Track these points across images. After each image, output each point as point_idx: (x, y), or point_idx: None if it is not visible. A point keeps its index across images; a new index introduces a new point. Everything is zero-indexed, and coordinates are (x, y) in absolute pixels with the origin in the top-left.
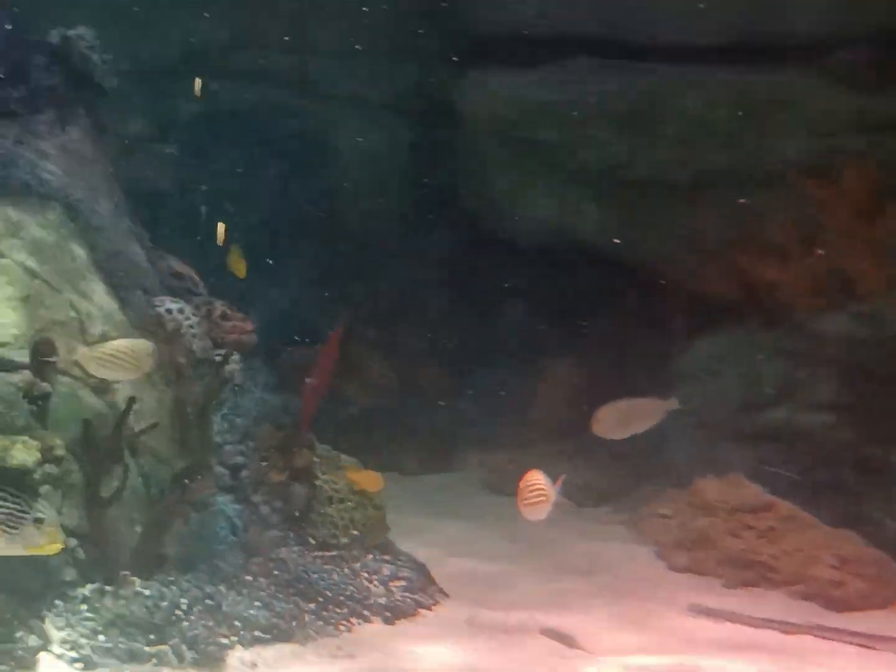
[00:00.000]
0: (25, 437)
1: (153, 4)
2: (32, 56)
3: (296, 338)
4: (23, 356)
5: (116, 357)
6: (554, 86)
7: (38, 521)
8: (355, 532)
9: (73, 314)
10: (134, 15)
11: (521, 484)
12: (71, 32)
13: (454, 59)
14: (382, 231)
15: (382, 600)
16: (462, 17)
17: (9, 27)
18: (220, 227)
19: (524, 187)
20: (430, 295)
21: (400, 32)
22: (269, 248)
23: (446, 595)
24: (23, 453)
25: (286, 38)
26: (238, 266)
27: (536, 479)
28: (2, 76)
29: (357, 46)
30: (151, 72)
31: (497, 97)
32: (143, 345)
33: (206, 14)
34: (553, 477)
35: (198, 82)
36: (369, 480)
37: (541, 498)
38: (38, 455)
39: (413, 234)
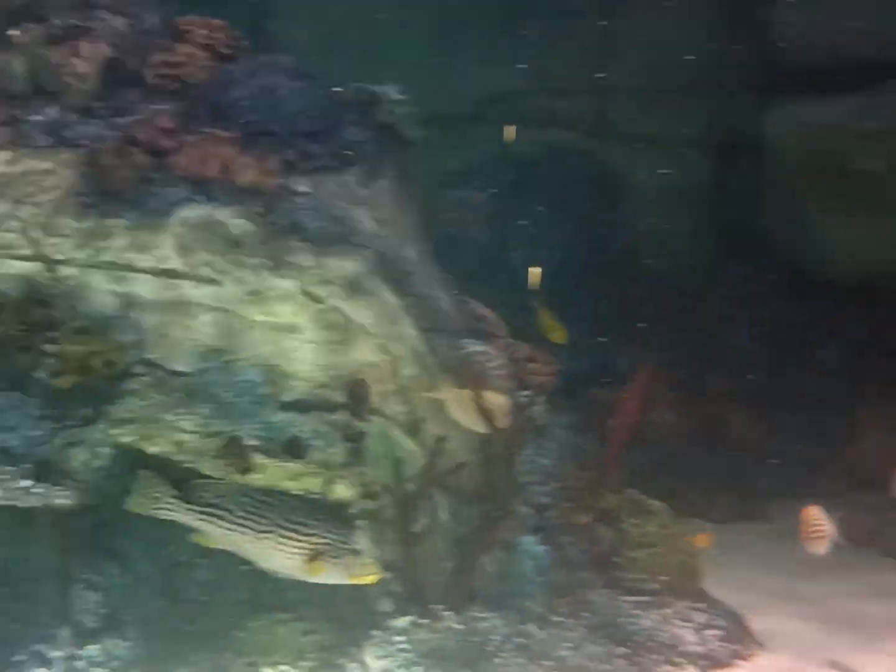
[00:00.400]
0: (346, 474)
1: (451, 55)
2: (342, 113)
3: (598, 378)
4: (339, 396)
5: (476, 406)
6: (873, 112)
7: (357, 553)
8: (665, 577)
9: (385, 356)
10: (433, 66)
11: (802, 517)
12: (377, 88)
13: (759, 91)
14: (686, 271)
15: (697, 648)
16: (766, 47)
17: (320, 89)
18: (534, 271)
19: (842, 222)
20: (737, 336)
21: (700, 68)
22: (570, 289)
23: (763, 646)
24: (343, 488)
25: (583, 81)
26: (552, 330)
27: (816, 516)
28: (315, 133)
29: (655, 84)
30: (450, 119)
31: (809, 127)
32: (502, 400)
33: (501, 60)
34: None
35: (510, 129)
36: (702, 538)
37: (820, 534)
38: (357, 490)
39: (718, 273)
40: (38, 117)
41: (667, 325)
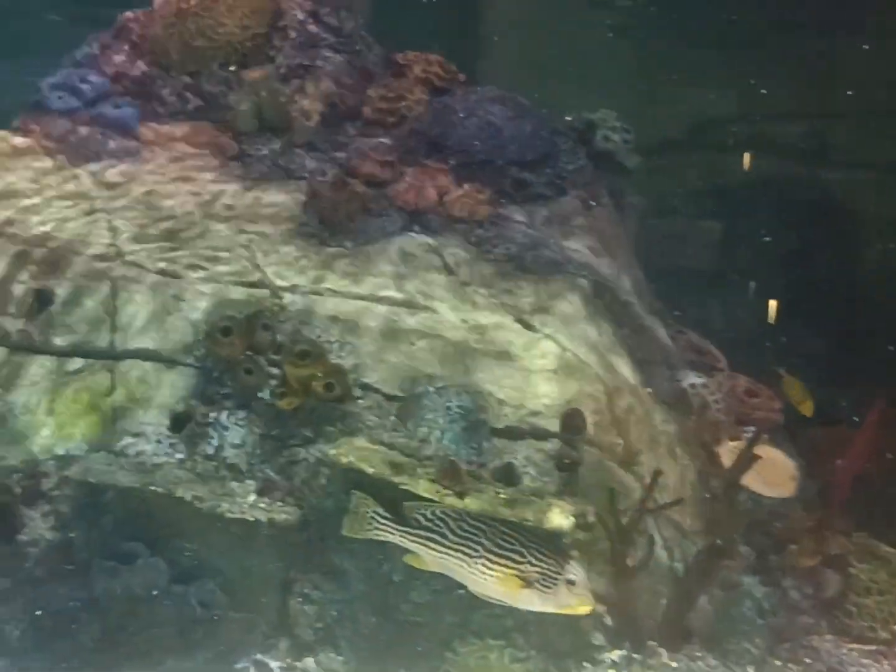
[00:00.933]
0: (562, 502)
1: (664, 81)
2: (558, 141)
3: (822, 416)
4: (553, 426)
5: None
6: None
7: (571, 583)
8: None
9: (600, 387)
10: (647, 91)
11: None
12: (594, 116)
13: None
14: None
15: None
16: None
17: (535, 118)
18: (771, 304)
19: None
20: None
21: None
22: (791, 322)
23: None
24: (559, 517)
25: (800, 106)
26: (801, 401)
27: None
28: (531, 162)
29: (880, 108)
30: (665, 145)
31: None
32: (789, 465)
33: (715, 86)
34: None
35: (747, 156)
36: None
37: None
38: (572, 520)
39: None
40: (265, 152)
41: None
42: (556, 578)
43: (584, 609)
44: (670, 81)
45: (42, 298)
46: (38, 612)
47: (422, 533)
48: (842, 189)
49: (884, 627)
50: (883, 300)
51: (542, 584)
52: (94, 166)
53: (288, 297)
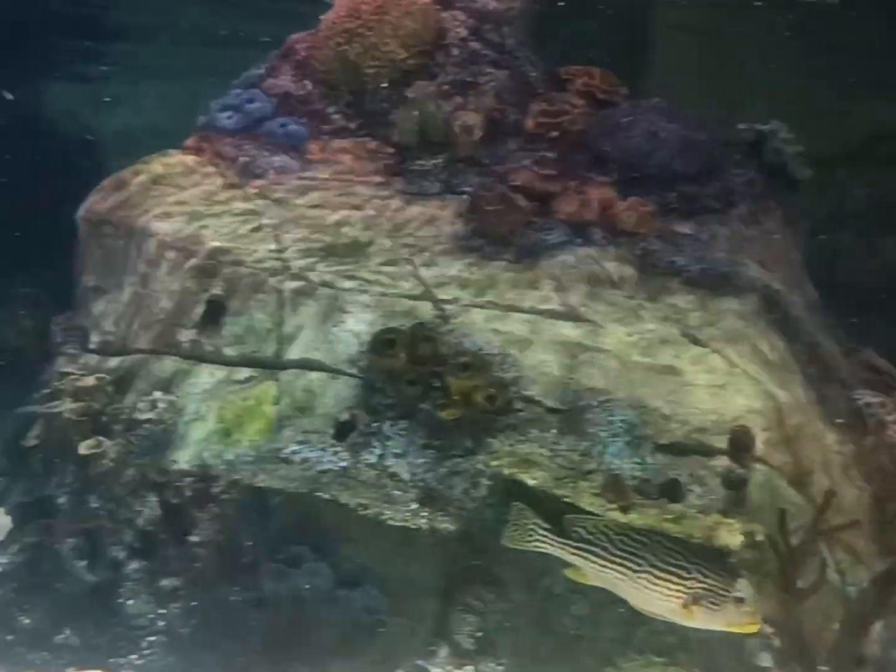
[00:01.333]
0: (727, 521)
1: (835, 91)
2: (727, 153)
3: None
4: (720, 442)
5: None
6: None
7: (739, 601)
8: None
9: (770, 403)
10: (816, 102)
11: None
12: (765, 127)
13: None
14: None
15: None
16: None
17: (701, 130)
18: None
19: None
20: None
21: None
22: None
23: None
24: (728, 535)
25: None
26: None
27: None
28: (697, 175)
29: None
30: (834, 159)
31: None
32: None
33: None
34: None
35: None
36: None
37: None
38: (741, 539)
39: None
40: (428, 167)
41: None
42: (723, 596)
43: (752, 628)
44: (842, 92)
45: (213, 310)
46: (208, 612)
47: (583, 546)
48: None
49: None
50: None
51: (709, 602)
52: (261, 182)
53: (450, 310)
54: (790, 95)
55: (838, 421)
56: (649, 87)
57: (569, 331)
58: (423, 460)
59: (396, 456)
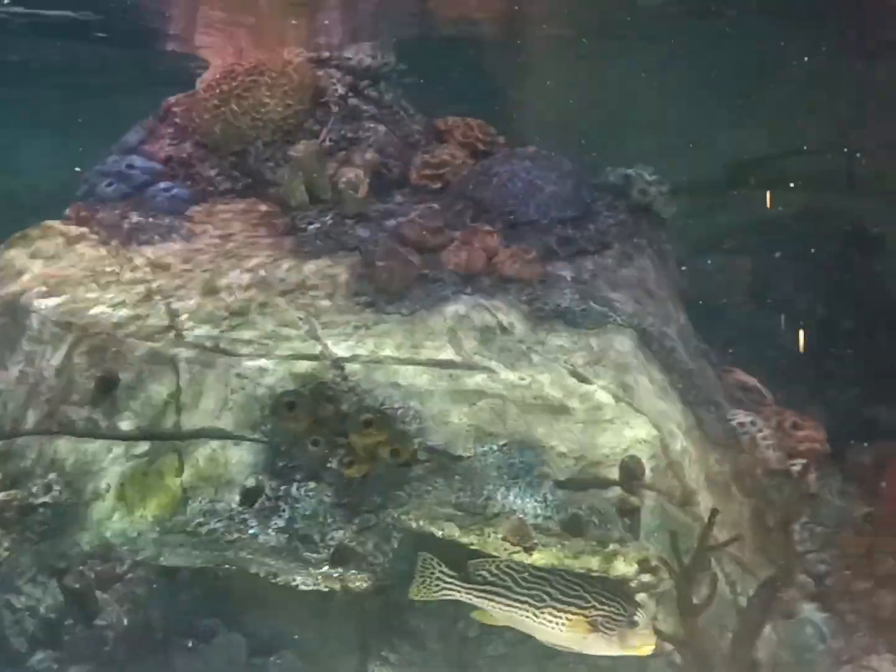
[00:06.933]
0: (624, 549)
1: (696, 127)
2: (598, 197)
3: (868, 440)
4: (614, 474)
5: None
6: None
7: (634, 624)
8: None
9: (655, 432)
10: (678, 139)
11: None
12: (630, 170)
13: None
14: None
15: None
16: None
17: (574, 175)
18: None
19: None
20: None
21: None
22: (832, 350)
23: None
24: (622, 564)
25: (830, 141)
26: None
27: None
28: (573, 219)
29: None
30: (696, 188)
31: None
32: None
33: (750, 127)
34: None
35: (767, 194)
36: None
37: None
38: (636, 566)
39: None
40: (317, 225)
41: None
42: (619, 621)
43: (647, 650)
44: (708, 121)
45: (106, 385)
46: None
47: (488, 588)
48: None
49: None
50: None
51: (607, 627)
52: (148, 250)
53: (349, 367)
54: (658, 130)
55: (717, 442)
56: (525, 135)
57: (466, 379)
58: (332, 519)
59: (306, 518)
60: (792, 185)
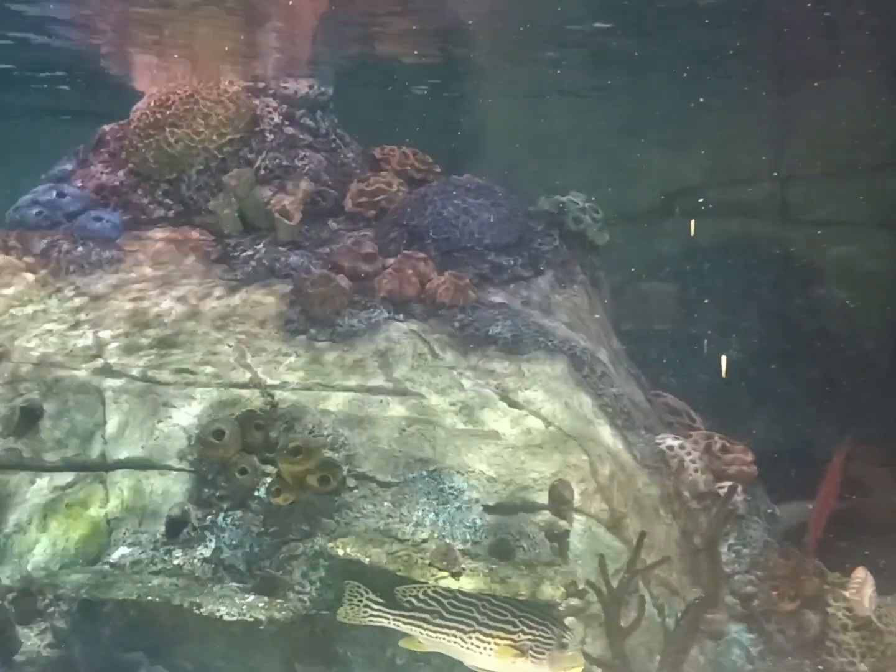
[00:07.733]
0: (552, 573)
1: (633, 159)
2: (531, 225)
3: (798, 462)
4: (543, 498)
5: None
6: None
7: (562, 647)
8: (873, 660)
9: (584, 457)
10: (615, 171)
11: None
12: (564, 198)
13: None
14: (881, 348)
15: None
16: None
17: (508, 203)
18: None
19: None
20: None
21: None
22: (764, 374)
23: None
24: (550, 588)
25: (762, 170)
26: None
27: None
28: (507, 246)
29: (836, 168)
30: (631, 217)
31: None
32: None
33: (682, 157)
34: None
35: (692, 223)
36: None
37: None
38: (563, 590)
39: None
40: (249, 252)
41: (864, 404)
42: (548, 645)
43: (576, 671)
44: (641, 152)
45: (29, 415)
46: None
47: (416, 615)
48: (804, 244)
49: (862, 661)
50: (852, 346)
51: (536, 651)
52: (77, 279)
53: (279, 395)
54: (595, 160)
55: (646, 465)
56: (460, 163)
57: (396, 405)
58: (259, 548)
59: (232, 547)
60: (723, 213)
